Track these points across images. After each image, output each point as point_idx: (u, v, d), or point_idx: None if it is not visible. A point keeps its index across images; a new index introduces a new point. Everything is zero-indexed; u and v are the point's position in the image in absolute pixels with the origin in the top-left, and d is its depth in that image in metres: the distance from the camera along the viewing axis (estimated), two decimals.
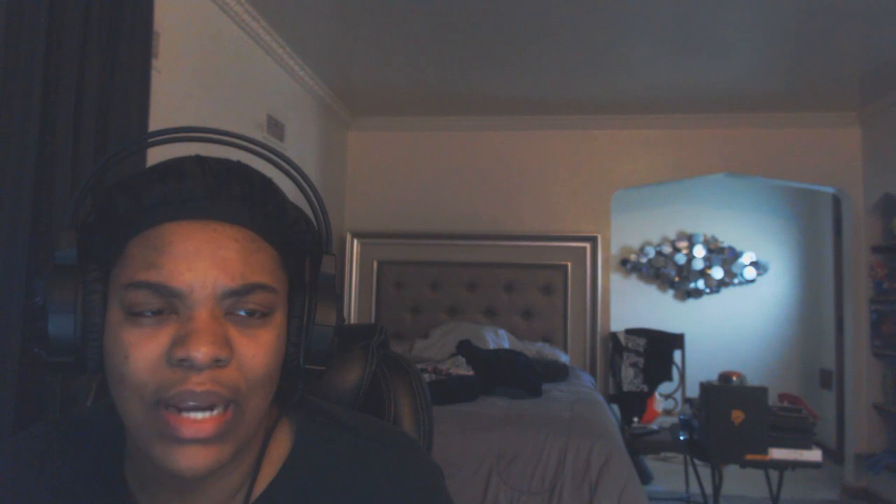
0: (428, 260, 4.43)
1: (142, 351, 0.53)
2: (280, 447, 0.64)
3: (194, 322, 0.53)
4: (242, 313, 0.55)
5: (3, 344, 1.47)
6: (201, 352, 0.51)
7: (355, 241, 4.49)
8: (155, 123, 2.11)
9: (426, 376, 2.81)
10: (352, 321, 4.42)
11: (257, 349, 0.55)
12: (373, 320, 4.42)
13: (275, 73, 3.44)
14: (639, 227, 5.46)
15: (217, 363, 0.52)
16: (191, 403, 0.52)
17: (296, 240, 0.63)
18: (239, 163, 0.61)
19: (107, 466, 0.64)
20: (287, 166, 0.63)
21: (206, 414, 0.52)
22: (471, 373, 2.94)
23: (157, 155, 0.94)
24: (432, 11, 2.95)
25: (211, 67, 2.75)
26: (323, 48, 3.48)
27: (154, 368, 0.52)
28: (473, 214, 4.52)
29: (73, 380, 1.62)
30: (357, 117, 4.67)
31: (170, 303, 0.53)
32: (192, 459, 0.53)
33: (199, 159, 0.59)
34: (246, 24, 2.98)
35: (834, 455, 4.65)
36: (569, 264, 4.34)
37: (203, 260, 0.54)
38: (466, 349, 3.27)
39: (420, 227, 4.49)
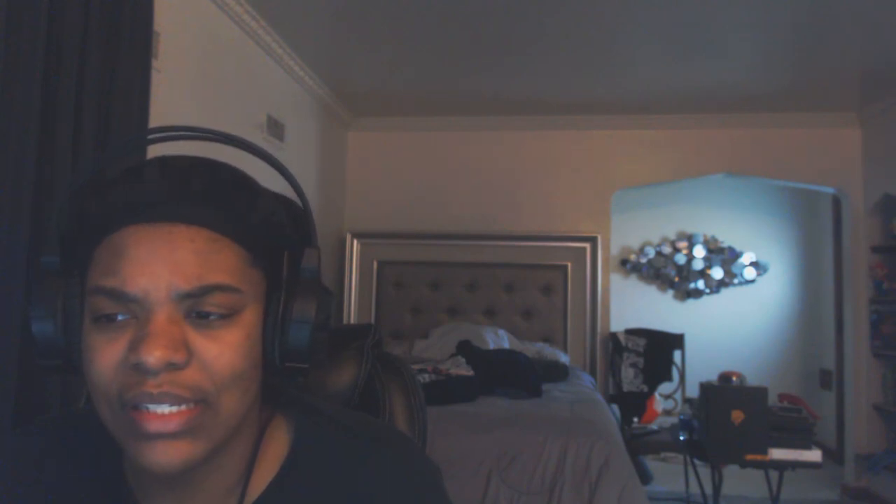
0: (428, 260, 4.43)
1: (104, 356, 0.54)
2: (277, 446, 0.64)
3: (149, 326, 0.53)
4: (202, 315, 0.55)
5: (2, 344, 1.47)
6: (154, 356, 0.51)
7: (355, 241, 4.49)
8: (155, 123, 2.11)
9: (426, 376, 2.81)
10: (352, 321, 4.42)
11: (222, 349, 0.55)
12: (373, 320, 4.42)
13: (275, 74, 3.44)
14: (639, 227, 5.46)
15: (172, 366, 0.53)
16: (150, 406, 0.52)
17: (271, 234, 0.61)
18: (205, 159, 0.60)
19: (106, 465, 0.64)
20: (245, 147, 0.61)
21: (173, 408, 0.53)
22: (471, 373, 2.94)
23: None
24: (432, 12, 2.95)
25: (211, 67, 2.76)
26: (323, 48, 3.48)
27: (115, 372, 0.53)
28: (473, 214, 4.52)
29: (71, 379, 1.63)
30: (357, 117, 4.67)
31: (129, 307, 0.54)
32: (162, 455, 0.53)
33: (161, 160, 0.59)
34: (246, 24, 2.98)
35: (834, 455, 4.65)
36: (569, 264, 4.34)
37: (157, 264, 0.54)
38: (466, 349, 3.26)
39: (420, 227, 4.49)
